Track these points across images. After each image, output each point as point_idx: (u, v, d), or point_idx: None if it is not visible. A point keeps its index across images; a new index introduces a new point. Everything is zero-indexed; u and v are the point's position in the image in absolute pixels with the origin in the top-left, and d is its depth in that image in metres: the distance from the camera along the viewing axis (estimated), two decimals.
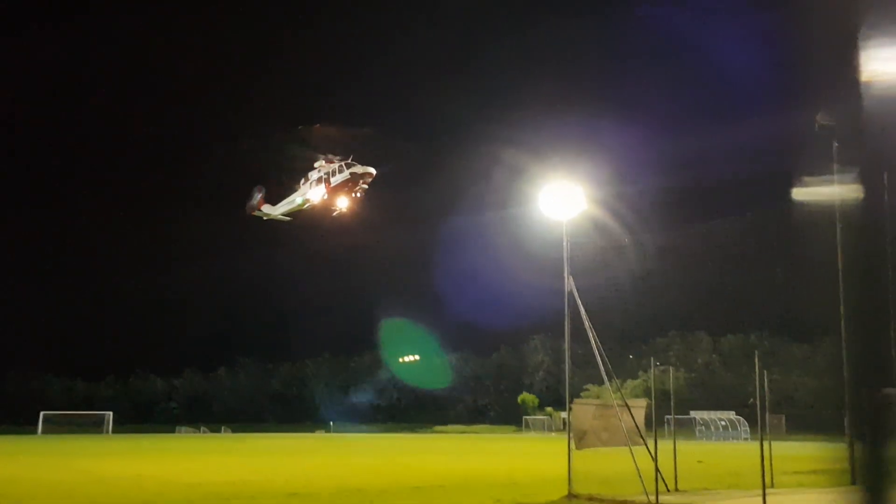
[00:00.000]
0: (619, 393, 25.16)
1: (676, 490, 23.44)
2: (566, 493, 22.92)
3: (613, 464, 23.52)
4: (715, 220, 28.95)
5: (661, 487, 22.41)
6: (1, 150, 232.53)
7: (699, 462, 33.50)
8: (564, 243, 25.55)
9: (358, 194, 38.34)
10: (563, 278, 25.19)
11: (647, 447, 23.37)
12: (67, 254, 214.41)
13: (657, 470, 22.51)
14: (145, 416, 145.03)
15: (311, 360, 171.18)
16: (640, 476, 22.07)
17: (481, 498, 23.33)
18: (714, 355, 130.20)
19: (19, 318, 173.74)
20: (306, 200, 39.91)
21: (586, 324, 24.62)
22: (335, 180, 38.23)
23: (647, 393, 26.97)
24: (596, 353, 24.48)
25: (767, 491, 19.11)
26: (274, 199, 42.85)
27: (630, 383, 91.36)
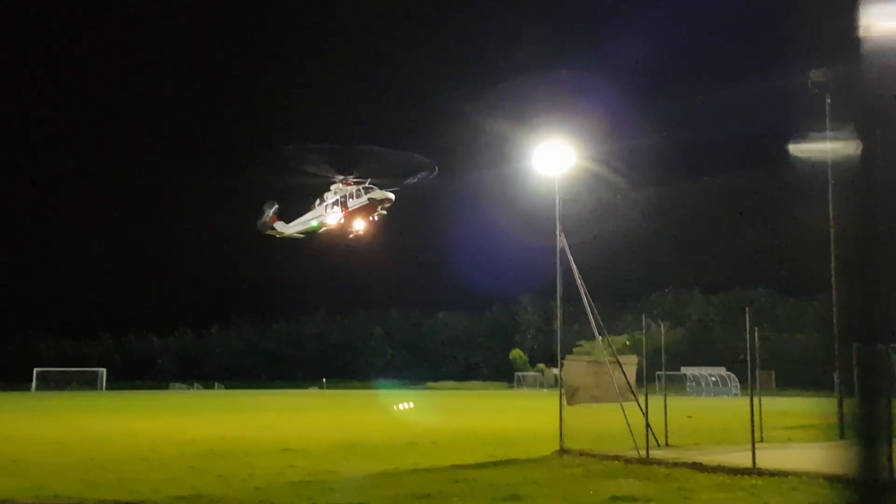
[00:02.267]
0: (610, 349, 25.24)
1: (667, 445, 23.58)
2: (558, 448, 23.07)
3: (605, 420, 23.64)
4: (708, 177, 28.89)
5: (652, 442, 22.58)
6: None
7: (689, 417, 33.69)
8: (556, 200, 25.54)
9: (375, 218, 37.55)
10: (555, 236, 25.20)
11: (638, 403, 23.50)
12: (63, 213, 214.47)
13: (648, 425, 22.66)
14: (139, 373, 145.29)
15: (305, 317, 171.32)
16: (630, 431, 22.21)
17: (475, 453, 23.45)
18: (706, 312, 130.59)
19: (14, 276, 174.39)
20: (323, 224, 39.04)
21: (578, 281, 24.66)
22: (353, 204, 37.24)
23: (638, 349, 27.03)
24: (587, 309, 24.56)
25: (757, 446, 19.21)
26: (287, 216, 41.76)
27: (620, 338, 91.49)
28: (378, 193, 37.22)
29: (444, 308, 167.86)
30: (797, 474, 17.40)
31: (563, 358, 25.73)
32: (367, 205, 37.28)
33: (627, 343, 40.11)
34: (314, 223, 39.69)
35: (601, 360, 25.12)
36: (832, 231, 28.66)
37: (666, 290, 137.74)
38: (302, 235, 41.07)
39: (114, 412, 51.05)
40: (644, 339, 26.56)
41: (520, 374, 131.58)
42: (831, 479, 16.69)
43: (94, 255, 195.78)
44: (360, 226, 37.63)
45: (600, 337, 24.90)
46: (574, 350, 57.17)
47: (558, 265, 24.91)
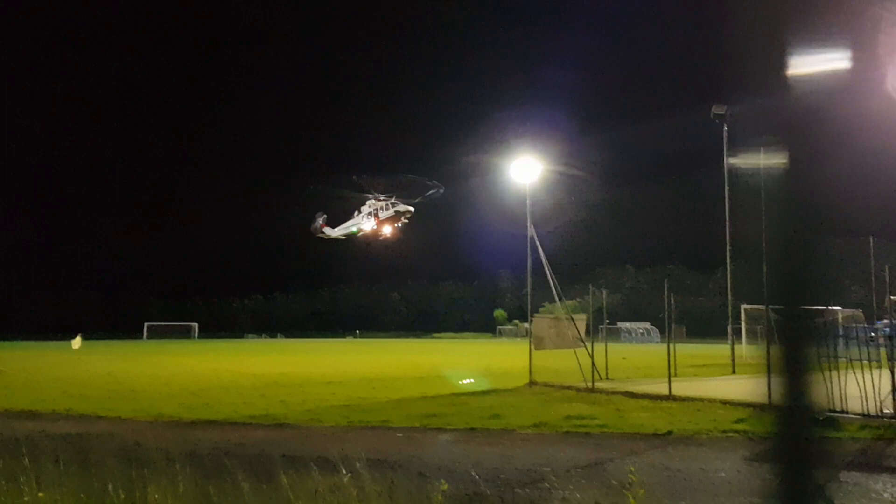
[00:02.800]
0: (566, 310, 25.28)
1: (607, 378, 23.63)
2: (528, 381, 23.15)
3: (562, 361, 23.72)
4: (642, 181, 28.92)
5: (596, 376, 22.67)
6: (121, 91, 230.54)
7: (623, 359, 33.77)
8: (527, 201, 25.60)
9: (399, 225, 38.27)
10: (527, 227, 25.25)
11: (587, 348, 23.56)
12: (172, 206, 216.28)
13: (593, 364, 22.73)
14: (222, 326, 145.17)
15: (343, 285, 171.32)
16: (581, 369, 22.31)
17: (468, 384, 23.53)
18: (636, 282, 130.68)
19: (131, 252, 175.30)
20: (360, 229, 39.54)
21: (543, 259, 24.72)
22: (383, 215, 37.94)
23: (586, 309, 27.07)
24: (550, 280, 24.60)
25: (672, 378, 19.28)
26: (333, 223, 42.18)
27: (573, 302, 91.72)
28: (402, 207, 37.72)
29: (446, 279, 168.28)
30: (701, 399, 17.47)
31: (532, 315, 25.81)
32: (394, 216, 37.76)
33: (578, 303, 40.17)
34: (353, 229, 40.03)
35: (560, 317, 25.17)
36: (727, 224, 28.66)
37: (606, 266, 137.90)
38: (344, 237, 41.39)
39: (203, 355, 51.16)
40: (590, 302, 26.65)
41: (500, 327, 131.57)
42: (725, 403, 16.80)
43: (191, 239, 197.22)
44: (388, 231, 38.22)
45: (559, 300, 24.96)
46: (540, 310, 57.39)
47: (529, 248, 24.97)
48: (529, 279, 25.50)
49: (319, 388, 23.23)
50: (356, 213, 39.65)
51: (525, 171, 25.92)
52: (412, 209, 37.76)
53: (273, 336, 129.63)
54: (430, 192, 38.15)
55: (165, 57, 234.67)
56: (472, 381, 13.52)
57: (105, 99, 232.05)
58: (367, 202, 38.62)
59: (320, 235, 41.97)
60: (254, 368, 34.26)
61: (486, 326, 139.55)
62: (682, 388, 19.32)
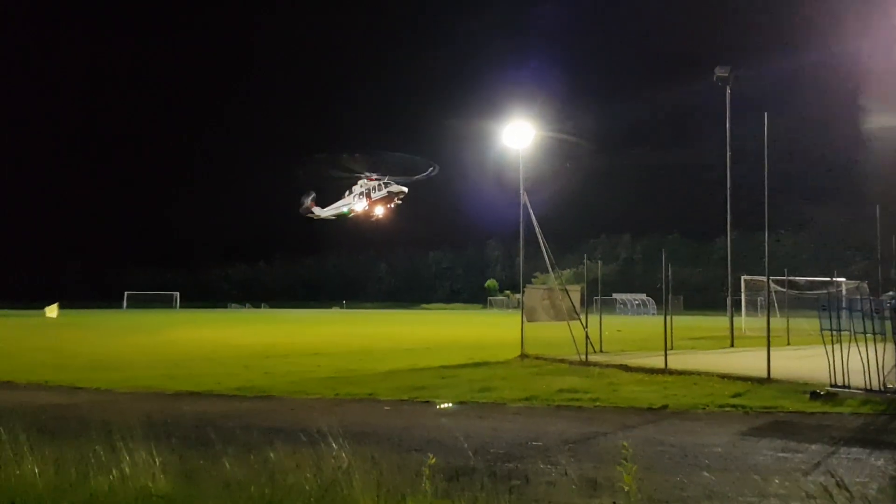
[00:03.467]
0: (560, 280, 25.33)
1: (601, 351, 23.75)
2: (520, 353, 23.25)
3: (555, 333, 23.79)
4: (637, 149, 28.82)
5: (590, 349, 22.76)
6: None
7: (618, 331, 33.95)
8: (520, 167, 25.50)
9: (392, 206, 37.98)
10: (520, 194, 25.18)
11: (580, 320, 23.64)
12: (158, 179, 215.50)
13: (587, 337, 22.82)
14: (205, 295, 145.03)
15: (329, 253, 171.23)
16: (574, 341, 22.35)
17: (458, 357, 23.63)
18: (633, 252, 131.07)
19: (111, 219, 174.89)
20: (351, 210, 39.20)
21: (536, 228, 24.68)
22: (376, 195, 37.61)
23: (580, 280, 27.13)
24: (543, 249, 24.58)
25: (668, 351, 19.35)
26: (323, 203, 41.84)
27: (567, 272, 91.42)
28: (395, 188, 37.51)
29: (434, 248, 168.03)
30: (698, 373, 17.58)
31: (524, 286, 25.83)
32: (386, 196, 37.56)
33: (573, 273, 40.42)
34: (344, 209, 39.81)
35: (553, 288, 25.22)
36: (728, 192, 28.64)
37: (602, 235, 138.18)
38: (334, 217, 41.19)
39: (185, 325, 51.20)
40: (585, 272, 26.70)
41: (491, 298, 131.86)
42: (723, 376, 16.92)
43: (173, 206, 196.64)
44: (380, 211, 37.99)
45: (552, 270, 24.99)
46: (532, 280, 57.58)
47: (521, 216, 24.93)
48: (522, 248, 25.51)
49: (305, 359, 23.31)
50: (347, 192, 39.46)
51: (518, 135, 25.78)
52: (405, 190, 37.64)
53: (257, 306, 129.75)
54: (424, 172, 37.99)
55: (155, 29, 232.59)
56: (450, 405, 13.58)
57: (90, 67, 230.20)
58: (359, 182, 38.41)
59: (309, 216, 41.84)
60: (238, 339, 34.32)
61: (476, 297, 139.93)
62: (678, 361, 19.44)
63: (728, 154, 28.22)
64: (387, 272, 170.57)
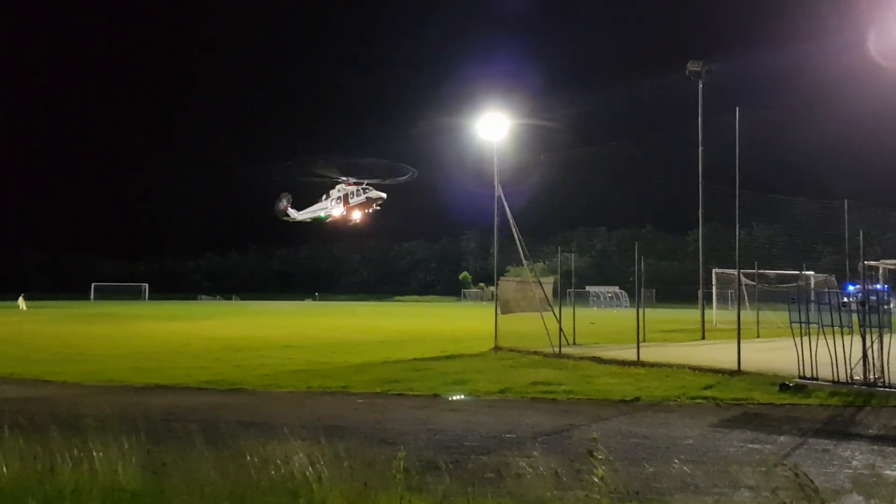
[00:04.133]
0: (534, 272, 25.43)
1: (575, 344, 23.89)
2: (493, 346, 23.33)
3: (528, 325, 23.91)
4: (614, 140, 29.02)
5: (564, 342, 22.92)
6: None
7: (591, 324, 34.16)
8: (495, 159, 25.53)
9: (370, 211, 37.72)
10: (494, 186, 25.23)
11: (554, 312, 23.76)
12: (115, 156, 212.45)
13: (560, 329, 22.97)
14: (174, 287, 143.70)
15: (302, 244, 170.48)
16: (548, 333, 22.50)
17: (432, 349, 23.64)
18: (608, 244, 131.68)
19: (79, 208, 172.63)
20: (329, 215, 38.88)
21: (511, 220, 24.76)
22: (354, 201, 37.28)
23: (554, 272, 27.28)
24: (518, 241, 24.67)
25: (641, 344, 19.53)
26: (299, 205, 41.45)
27: (540, 265, 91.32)
28: (374, 193, 37.27)
29: (408, 240, 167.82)
30: (670, 365, 17.76)
31: (498, 278, 25.92)
32: (364, 202, 37.31)
33: (546, 266, 40.52)
34: (321, 214, 39.50)
35: (527, 280, 25.34)
36: (700, 185, 28.92)
37: (577, 228, 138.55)
38: (310, 220, 40.86)
39: (154, 317, 50.75)
40: (559, 264, 26.84)
41: (466, 290, 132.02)
42: (694, 369, 17.12)
43: (143, 195, 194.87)
44: (357, 216, 37.73)
45: (527, 263, 25.08)
46: (506, 273, 57.70)
47: (496, 208, 24.99)
48: (496, 240, 25.57)
49: (277, 351, 23.21)
50: (325, 196, 39.21)
51: (492, 127, 25.81)
52: (384, 196, 37.48)
53: (228, 298, 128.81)
54: (404, 176, 37.88)
55: (123, 12, 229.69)
56: (462, 396, 13.66)
57: (56, 52, 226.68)
58: (337, 186, 38.16)
59: (285, 218, 41.47)
60: (208, 331, 34.09)
61: (450, 289, 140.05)
62: (651, 353, 19.63)
63: (700, 148, 28.47)
64: (360, 264, 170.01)
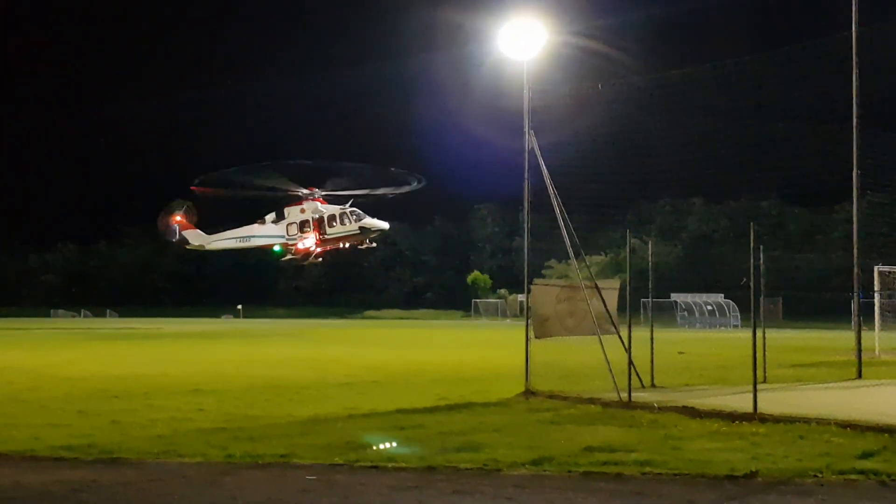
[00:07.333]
0: (587, 272, 25.46)
1: (653, 386, 23.86)
2: (523, 389, 23.32)
3: (579, 356, 23.91)
4: (710, 62, 28.85)
5: (636, 383, 22.85)
6: None
7: (681, 353, 34.17)
8: (525, 89, 25.46)
9: (361, 247, 36.97)
10: (523, 133, 25.19)
11: (620, 336, 23.75)
12: None
13: (630, 362, 22.91)
14: (12, 296, 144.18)
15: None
16: (610, 370, 22.45)
17: (422, 396, 23.62)
18: (706, 225, 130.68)
19: None
20: (285, 246, 37.79)
21: (550, 188, 24.70)
22: (335, 232, 36.25)
23: (620, 271, 27.33)
24: (561, 224, 24.63)
25: (759, 387, 19.47)
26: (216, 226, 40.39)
27: (597, 259, 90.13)
28: (370, 222, 36.74)
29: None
30: (806, 420, 17.73)
31: (530, 282, 25.83)
32: (356, 234, 36.69)
33: (608, 260, 40.68)
34: (260, 241, 38.65)
35: (576, 284, 25.30)
36: (854, 130, 28.79)
37: (660, 199, 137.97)
38: (239, 249, 40.05)
39: None
40: (628, 259, 26.80)
41: (479, 301, 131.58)
42: (846, 426, 17.08)
43: None
44: (333, 248, 36.96)
45: (574, 257, 25.04)
46: (544, 273, 57.46)
47: (526, 169, 24.94)
48: (527, 220, 25.51)
49: (178, 399, 23.21)
50: (273, 214, 38.50)
51: (522, 41, 25.76)
52: (385, 226, 37.06)
53: (98, 313, 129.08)
54: (405, 187, 37.76)
55: None
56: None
57: None
58: (303, 205, 37.51)
59: (188, 247, 40.52)
60: (67, 367, 34.11)
61: (453, 299, 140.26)
62: (774, 401, 19.63)
63: (855, 73, 28.42)
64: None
